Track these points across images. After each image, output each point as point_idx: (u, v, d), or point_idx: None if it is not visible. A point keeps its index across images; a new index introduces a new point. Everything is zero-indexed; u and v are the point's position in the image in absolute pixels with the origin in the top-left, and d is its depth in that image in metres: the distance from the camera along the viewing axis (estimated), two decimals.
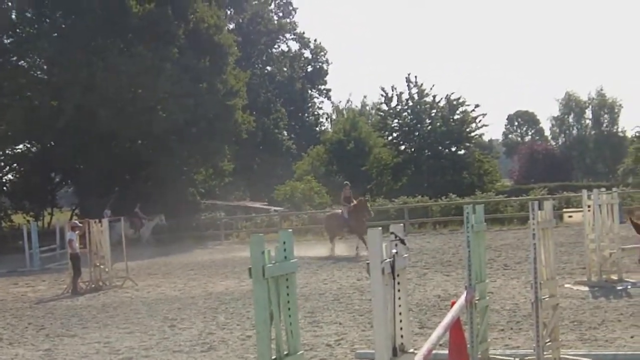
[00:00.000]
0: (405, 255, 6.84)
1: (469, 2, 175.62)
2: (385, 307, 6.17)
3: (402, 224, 7.21)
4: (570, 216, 39.97)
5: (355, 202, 32.84)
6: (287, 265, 5.88)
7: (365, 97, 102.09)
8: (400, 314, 6.65)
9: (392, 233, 6.66)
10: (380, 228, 6.14)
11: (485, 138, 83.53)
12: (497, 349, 11.37)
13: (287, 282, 5.90)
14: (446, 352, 10.26)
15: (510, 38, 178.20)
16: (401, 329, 6.64)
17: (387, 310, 6.25)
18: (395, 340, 6.53)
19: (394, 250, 6.51)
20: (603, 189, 20.45)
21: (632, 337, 11.94)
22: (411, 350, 6.74)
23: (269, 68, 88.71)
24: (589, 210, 18.84)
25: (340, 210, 34.04)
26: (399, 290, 6.64)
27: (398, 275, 6.59)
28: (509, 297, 16.94)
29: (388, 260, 6.33)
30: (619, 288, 17.30)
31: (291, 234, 6.06)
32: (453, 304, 10.13)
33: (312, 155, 72.78)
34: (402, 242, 6.71)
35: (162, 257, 36.22)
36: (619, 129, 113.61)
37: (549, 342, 9.87)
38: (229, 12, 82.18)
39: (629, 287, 17.34)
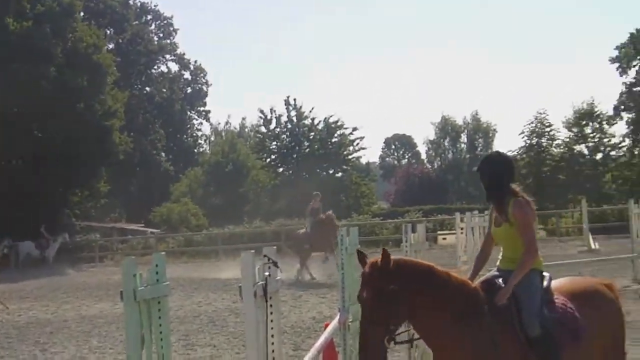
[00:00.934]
0: (279, 277, 6.87)
1: (344, 24, 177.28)
2: (257, 329, 6.18)
3: (275, 247, 7.23)
4: (444, 238, 40.71)
5: (323, 215, 29.93)
6: (160, 288, 5.83)
7: (244, 119, 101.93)
8: (272, 336, 6.67)
9: (265, 256, 6.68)
10: (253, 251, 6.15)
11: (363, 161, 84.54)
12: None
13: (159, 305, 5.84)
14: None
15: (387, 61, 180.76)
16: (273, 351, 6.65)
17: (260, 332, 6.26)
18: None
19: (267, 273, 6.52)
20: (476, 212, 20.90)
21: None
22: None
23: (148, 89, 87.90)
24: (461, 233, 19.23)
25: (301, 231, 31.15)
26: (271, 313, 6.65)
27: (271, 298, 6.60)
28: None
29: (261, 283, 6.34)
30: None
31: (164, 256, 6.01)
32: (327, 325, 10.22)
33: (190, 177, 72.38)
34: (275, 264, 6.72)
35: (35, 279, 35.37)
36: None
37: None
38: (108, 31, 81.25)
39: None
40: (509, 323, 6.59)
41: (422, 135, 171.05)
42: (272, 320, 6.69)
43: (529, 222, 6.99)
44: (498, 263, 7.23)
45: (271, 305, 6.67)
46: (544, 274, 7.04)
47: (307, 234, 29.55)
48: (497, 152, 7.78)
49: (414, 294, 6.32)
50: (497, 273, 7.10)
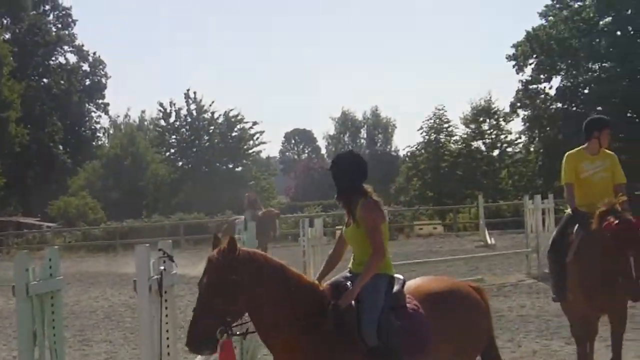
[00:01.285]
0: (174, 272, 6.84)
1: (246, 19, 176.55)
2: (151, 324, 6.16)
3: (170, 241, 7.17)
4: None
5: (263, 209, 27.96)
6: (53, 282, 5.77)
7: (143, 112, 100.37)
8: (167, 331, 6.64)
9: (160, 250, 6.64)
10: (147, 244, 6.13)
11: (263, 155, 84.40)
12: None
13: (52, 300, 5.78)
14: None
15: (286, 56, 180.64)
16: (168, 346, 6.63)
17: (154, 328, 6.24)
18: (162, 358, 6.52)
19: (162, 267, 6.50)
20: None
21: None
22: None
23: (45, 80, 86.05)
24: None
25: (236, 219, 28.59)
26: (166, 308, 6.63)
27: (166, 292, 6.57)
28: None
29: (155, 277, 6.32)
30: None
31: (57, 250, 5.95)
32: None
33: (88, 170, 71.20)
34: (171, 258, 6.70)
35: None
36: (392, 149, 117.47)
37: None
38: (5, 21, 79.37)
39: None
40: (352, 330, 6.40)
41: (322, 130, 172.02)
42: (167, 315, 6.66)
43: (376, 224, 6.76)
44: (349, 265, 7.05)
45: (166, 300, 6.64)
46: (396, 276, 6.88)
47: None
48: (350, 152, 7.74)
49: (257, 286, 6.10)
50: (348, 275, 6.91)
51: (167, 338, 6.62)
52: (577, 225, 9.61)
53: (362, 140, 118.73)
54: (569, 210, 10.04)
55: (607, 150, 10.08)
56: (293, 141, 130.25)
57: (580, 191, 9.90)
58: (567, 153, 10.23)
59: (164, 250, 6.66)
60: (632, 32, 52.19)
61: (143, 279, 6.02)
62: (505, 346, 12.02)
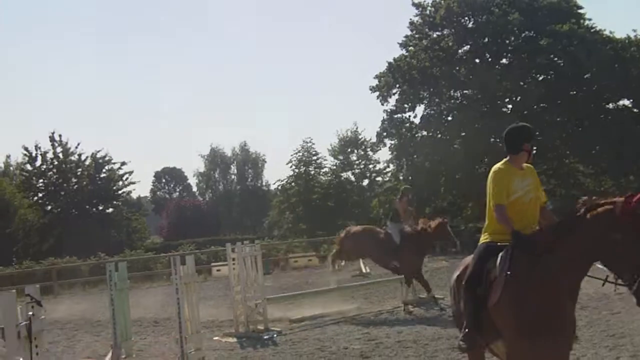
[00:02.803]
0: (43, 317, 6.67)
1: (107, 57, 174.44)
2: None
3: (37, 285, 7.00)
4: (218, 270, 40.73)
5: (431, 223, 22.13)
6: None
7: (8, 156, 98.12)
8: None
9: (27, 295, 6.48)
10: (14, 290, 5.96)
11: (134, 195, 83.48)
12: None
13: None
14: None
15: (150, 92, 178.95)
16: None
17: None
18: None
19: (30, 313, 6.33)
20: (247, 242, 21.00)
21: None
22: None
23: None
24: (234, 263, 19.28)
25: (382, 230, 24.09)
26: (37, 354, 6.46)
27: (35, 339, 6.41)
28: (159, 354, 16.86)
29: (24, 323, 6.15)
30: (265, 337, 17.75)
31: None
32: None
33: None
34: (39, 303, 6.54)
35: None
36: (263, 183, 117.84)
37: None
38: None
39: (275, 335, 17.86)
40: None
41: (192, 167, 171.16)
42: None
43: None
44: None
45: (37, 346, 6.47)
46: None
47: (394, 244, 22.54)
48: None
49: None
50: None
51: None
52: (502, 256, 7.98)
53: (233, 176, 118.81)
54: (484, 238, 8.51)
55: (526, 164, 8.61)
56: (164, 180, 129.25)
57: (511, 215, 8.19)
58: (495, 168, 8.51)
59: (31, 296, 6.50)
60: (489, 60, 53.70)
61: (11, 326, 5.84)
62: None
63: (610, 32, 52.90)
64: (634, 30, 54.43)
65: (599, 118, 51.37)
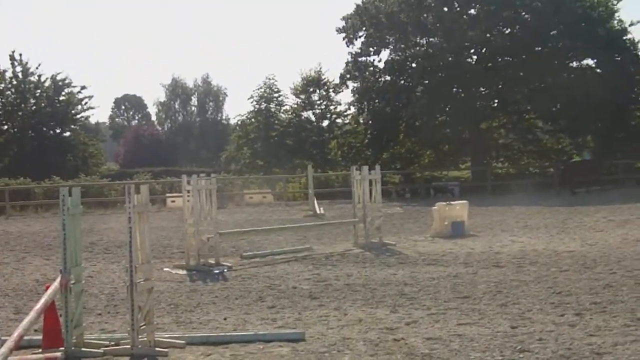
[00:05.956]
0: None
1: None
2: None
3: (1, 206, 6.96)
4: (173, 201, 40.70)
5: None
6: None
7: None
8: None
9: None
10: None
11: (92, 121, 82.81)
12: (93, 333, 11.30)
13: None
14: (41, 337, 10.09)
15: (118, 20, 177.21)
16: None
17: None
18: None
19: None
20: (203, 175, 20.96)
21: (225, 318, 12.32)
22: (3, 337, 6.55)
23: None
24: (188, 195, 19.26)
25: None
26: None
27: None
28: (109, 282, 16.88)
29: None
30: (215, 272, 17.79)
31: None
32: (48, 287, 10.00)
33: None
34: None
35: None
36: (223, 117, 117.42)
37: (143, 325, 9.97)
38: None
39: (225, 270, 17.92)
40: None
41: (153, 96, 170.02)
42: None
43: None
44: None
45: None
46: None
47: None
48: None
49: None
50: None
51: None
52: None
53: (193, 108, 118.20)
54: None
55: None
56: (123, 107, 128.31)
57: None
58: None
59: None
60: (457, 9, 53.41)
61: None
62: (332, 314, 12.20)
63: None
64: None
65: (561, 76, 51.48)
